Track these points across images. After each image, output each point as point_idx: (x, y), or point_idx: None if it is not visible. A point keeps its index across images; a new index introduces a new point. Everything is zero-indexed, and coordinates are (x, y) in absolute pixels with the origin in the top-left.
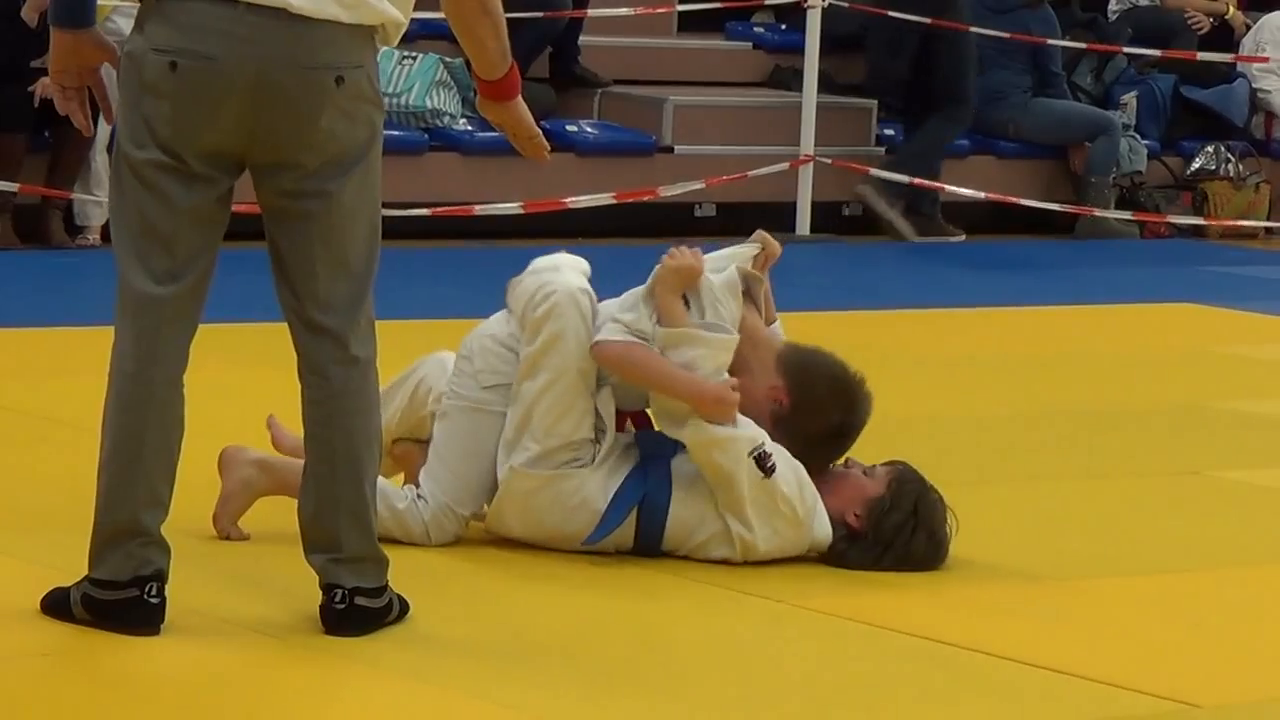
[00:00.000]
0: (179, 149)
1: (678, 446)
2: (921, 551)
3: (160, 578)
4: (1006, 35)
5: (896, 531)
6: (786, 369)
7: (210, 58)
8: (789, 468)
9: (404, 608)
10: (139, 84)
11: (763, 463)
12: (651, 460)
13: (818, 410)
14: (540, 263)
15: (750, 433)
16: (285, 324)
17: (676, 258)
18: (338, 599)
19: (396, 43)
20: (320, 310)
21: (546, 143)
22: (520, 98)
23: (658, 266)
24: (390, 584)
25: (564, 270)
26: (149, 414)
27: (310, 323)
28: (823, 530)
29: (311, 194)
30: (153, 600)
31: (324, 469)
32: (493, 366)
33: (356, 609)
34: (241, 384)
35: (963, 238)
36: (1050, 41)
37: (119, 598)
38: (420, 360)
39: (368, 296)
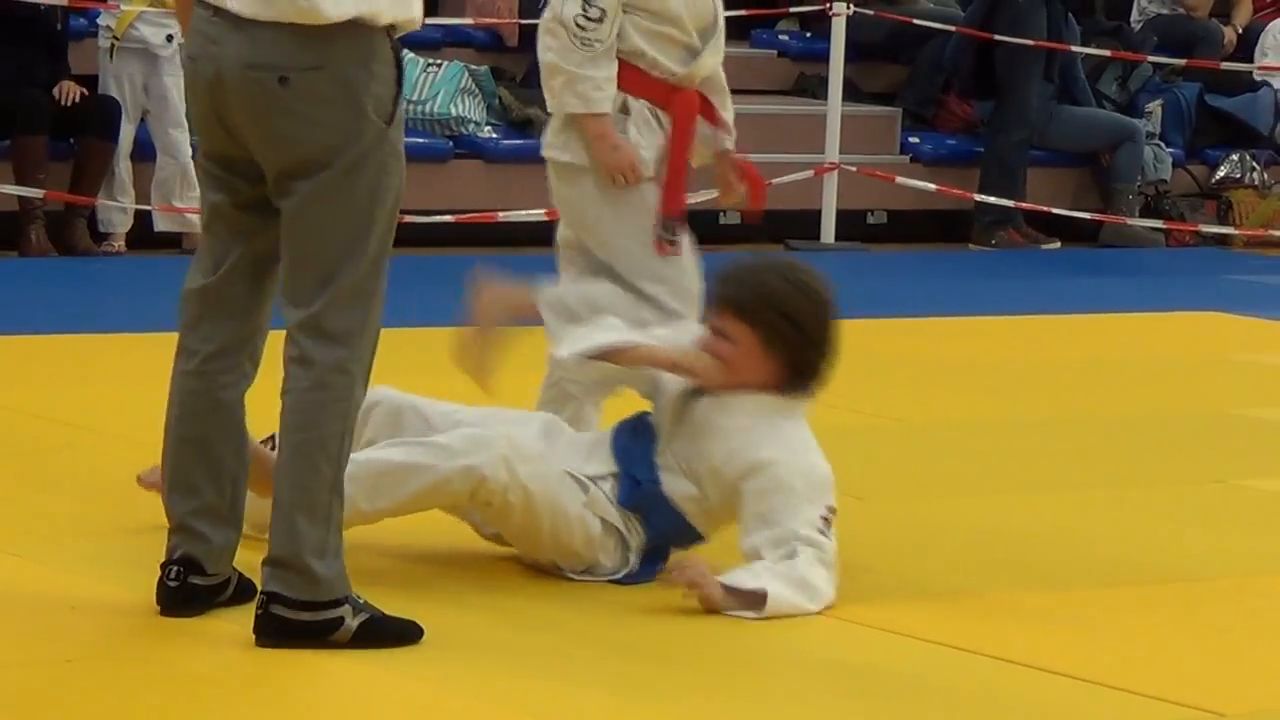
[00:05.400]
0: (201, 149)
1: (655, 470)
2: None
3: (185, 563)
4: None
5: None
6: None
7: (193, 59)
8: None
9: (375, 633)
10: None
11: (826, 529)
12: (648, 502)
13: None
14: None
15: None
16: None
17: None
18: (259, 602)
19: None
20: (290, 305)
21: None
22: None
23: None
24: (348, 602)
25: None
26: (181, 407)
27: (286, 316)
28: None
29: (284, 194)
30: (170, 584)
31: (280, 461)
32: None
33: (271, 617)
34: None
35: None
36: (1074, 49)
37: (158, 580)
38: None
39: (343, 303)
